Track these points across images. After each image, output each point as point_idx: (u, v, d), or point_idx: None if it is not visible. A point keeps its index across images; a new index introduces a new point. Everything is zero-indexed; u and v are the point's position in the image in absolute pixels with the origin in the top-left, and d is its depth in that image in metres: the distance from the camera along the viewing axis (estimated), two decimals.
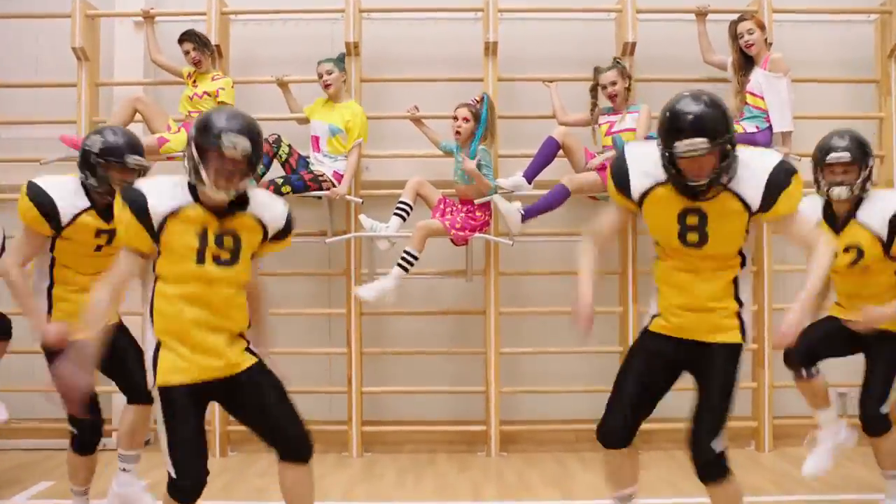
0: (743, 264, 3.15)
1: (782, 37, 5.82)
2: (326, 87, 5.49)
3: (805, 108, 5.74)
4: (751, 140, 5.24)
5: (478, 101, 5.33)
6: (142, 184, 3.06)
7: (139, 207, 2.93)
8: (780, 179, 2.97)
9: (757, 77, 5.34)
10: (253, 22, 6.00)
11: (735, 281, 3.15)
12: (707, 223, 3.04)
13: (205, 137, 2.93)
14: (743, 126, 5.28)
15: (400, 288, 5.30)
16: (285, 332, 5.91)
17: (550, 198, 5.28)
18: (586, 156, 5.40)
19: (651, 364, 3.29)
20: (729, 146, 2.93)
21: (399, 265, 5.18)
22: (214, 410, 5.62)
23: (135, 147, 3.83)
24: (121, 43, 6.07)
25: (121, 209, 2.96)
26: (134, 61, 6.06)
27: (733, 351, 3.18)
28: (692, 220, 3.05)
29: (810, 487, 4.73)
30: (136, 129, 5.63)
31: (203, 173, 2.93)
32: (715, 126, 2.89)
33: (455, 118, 5.35)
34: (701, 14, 5.70)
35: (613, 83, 5.36)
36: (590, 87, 5.55)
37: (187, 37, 5.52)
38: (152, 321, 3.00)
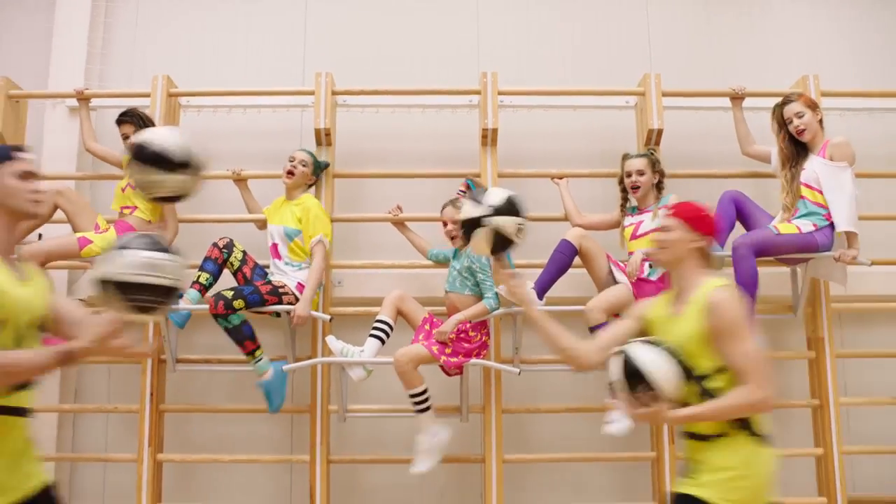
0: None
1: (828, 127, 4.89)
2: (289, 174, 4.53)
3: (872, 207, 4.84)
4: (810, 241, 4.27)
5: (464, 191, 4.35)
6: None
7: None
8: None
9: (814, 166, 4.40)
10: (208, 109, 5.08)
11: None
12: None
13: None
14: (798, 225, 4.30)
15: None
16: (235, 484, 4.80)
17: None
18: (610, 264, 4.39)
19: None
20: None
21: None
22: None
23: None
24: (52, 131, 5.16)
25: None
26: (66, 152, 5.12)
27: None
28: None
29: None
30: (59, 228, 4.64)
31: None
32: None
33: (444, 223, 4.38)
34: (736, 98, 4.83)
35: (640, 172, 4.45)
36: (619, 179, 4.61)
37: (128, 117, 4.60)
38: None
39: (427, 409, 4.15)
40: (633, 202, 4.59)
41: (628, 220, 4.53)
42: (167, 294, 2.55)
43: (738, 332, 2.67)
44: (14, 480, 2.45)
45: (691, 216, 2.85)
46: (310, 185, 4.65)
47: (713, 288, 2.72)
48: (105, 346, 2.51)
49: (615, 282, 4.36)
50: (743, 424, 2.70)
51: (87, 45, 5.26)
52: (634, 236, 4.45)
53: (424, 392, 4.14)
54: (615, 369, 2.71)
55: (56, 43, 5.25)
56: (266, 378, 4.41)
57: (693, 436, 2.78)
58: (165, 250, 2.55)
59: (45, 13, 5.37)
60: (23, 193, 2.54)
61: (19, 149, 2.59)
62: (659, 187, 4.54)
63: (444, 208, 4.39)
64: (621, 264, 4.40)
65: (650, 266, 4.30)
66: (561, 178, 4.85)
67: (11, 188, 2.52)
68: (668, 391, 2.65)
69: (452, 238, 4.38)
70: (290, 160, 4.54)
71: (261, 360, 4.39)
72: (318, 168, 4.65)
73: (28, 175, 2.56)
